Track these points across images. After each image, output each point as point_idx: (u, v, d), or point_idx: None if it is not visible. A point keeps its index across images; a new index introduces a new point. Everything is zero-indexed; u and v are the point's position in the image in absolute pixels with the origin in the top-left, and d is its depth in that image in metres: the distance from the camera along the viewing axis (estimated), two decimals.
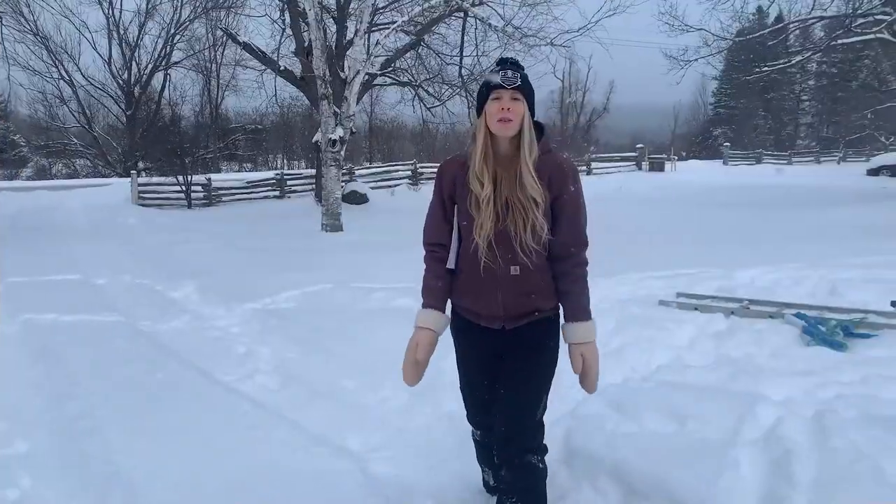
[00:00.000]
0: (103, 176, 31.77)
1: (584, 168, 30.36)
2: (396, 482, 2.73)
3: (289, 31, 16.43)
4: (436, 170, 2.31)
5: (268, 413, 3.44)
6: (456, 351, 2.35)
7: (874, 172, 26.97)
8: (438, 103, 19.27)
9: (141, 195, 20.00)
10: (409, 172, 24.28)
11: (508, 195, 2.02)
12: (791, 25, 19.53)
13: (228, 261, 9.12)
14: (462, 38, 17.84)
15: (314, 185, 21.55)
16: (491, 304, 2.11)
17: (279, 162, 43.23)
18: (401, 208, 16.74)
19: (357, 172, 23.65)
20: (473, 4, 14.04)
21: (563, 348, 2.23)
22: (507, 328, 2.14)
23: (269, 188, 22.39)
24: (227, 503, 2.54)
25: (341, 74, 14.55)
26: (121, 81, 34.00)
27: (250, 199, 21.68)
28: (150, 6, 32.30)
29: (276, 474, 2.76)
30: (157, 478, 2.71)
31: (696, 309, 5.25)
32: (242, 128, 37.84)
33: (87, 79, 33.46)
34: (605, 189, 21.33)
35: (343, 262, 8.81)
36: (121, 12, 33.08)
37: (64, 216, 15.97)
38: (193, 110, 36.46)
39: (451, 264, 2.17)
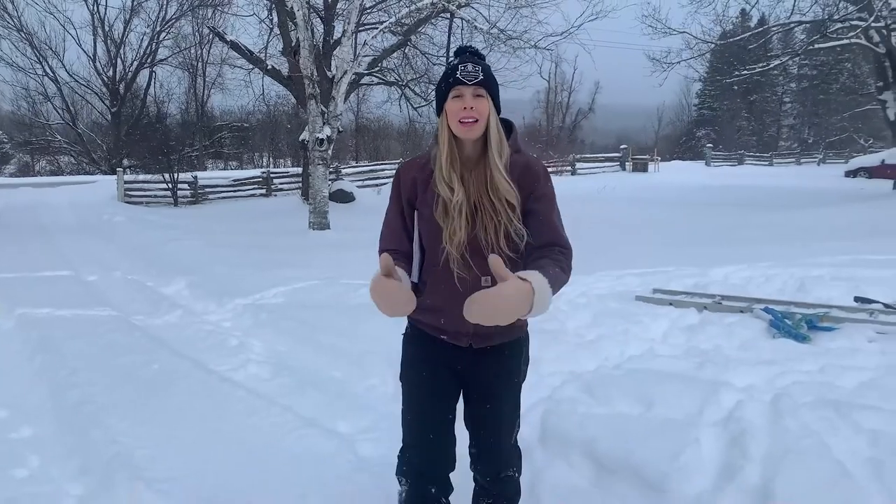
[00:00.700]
0: (87, 173, 31.67)
1: (569, 168, 30.71)
2: (383, 461, 2.92)
3: (276, 30, 16.56)
4: None
5: (261, 400, 3.63)
6: (403, 365, 2.07)
7: (852, 174, 27.49)
8: (425, 103, 19.48)
9: (127, 192, 20.02)
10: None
11: (477, 199, 1.84)
12: (772, 29, 19.93)
13: (218, 258, 9.27)
14: (448, 38, 18.08)
15: (300, 184, 21.70)
16: (459, 320, 1.75)
17: (265, 160, 43.21)
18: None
19: (343, 171, 23.80)
20: (459, 6, 14.24)
21: (531, 368, 2.20)
22: (475, 346, 1.96)
23: (256, 186, 22.48)
24: (226, 480, 2.72)
25: (328, 74, 14.71)
26: (106, 78, 33.88)
27: (236, 196, 21.77)
28: (135, 3, 32.26)
29: (272, 454, 2.95)
30: (159, 459, 2.89)
31: (670, 304, 5.49)
32: (228, 126, 37.81)
33: (71, 75, 33.36)
34: (588, 189, 21.66)
35: (330, 259, 8.99)
36: (106, 9, 33.02)
37: (50, 213, 15.98)
38: (179, 108, 36.43)
39: (414, 277, 1.94)
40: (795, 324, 4.71)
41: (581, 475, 2.68)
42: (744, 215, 13.88)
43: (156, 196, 20.39)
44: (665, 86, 19.67)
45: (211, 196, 21.29)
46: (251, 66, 17.96)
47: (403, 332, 2.10)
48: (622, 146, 34.49)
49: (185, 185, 20.79)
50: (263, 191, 22.38)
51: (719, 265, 7.03)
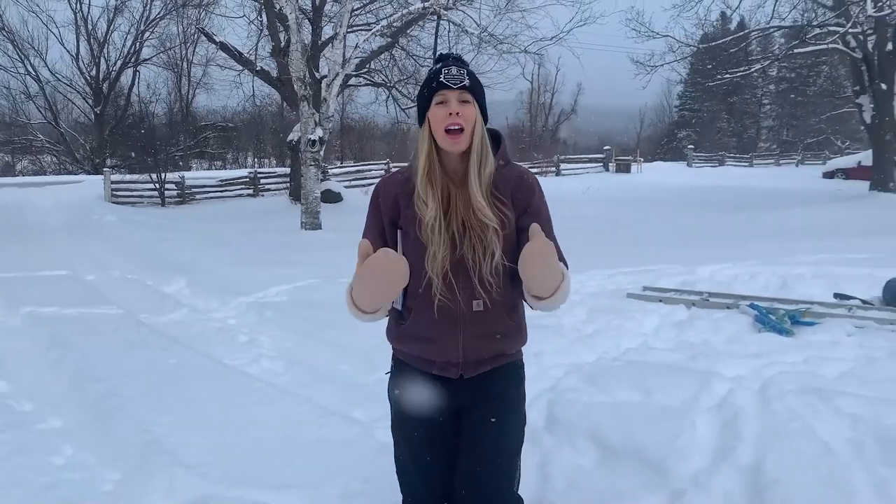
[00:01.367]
0: (70, 173, 31.46)
1: (554, 169, 31.04)
2: None
3: (265, 31, 16.68)
4: None
5: (279, 391, 3.81)
6: (393, 410, 1.89)
7: (829, 175, 28.07)
8: (412, 104, 19.66)
9: (114, 193, 19.97)
10: (383, 172, 24.63)
11: (465, 217, 1.68)
12: (752, 34, 20.37)
13: (214, 257, 9.40)
14: (435, 40, 18.30)
15: (288, 184, 21.79)
16: (448, 349, 1.73)
17: (249, 160, 43.16)
18: None
19: (331, 172, 23.91)
20: (446, 8, 14.44)
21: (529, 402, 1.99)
22: (466, 377, 1.77)
23: (243, 186, 22.52)
24: (256, 462, 2.91)
25: (316, 75, 14.86)
26: (89, 77, 33.67)
27: (223, 197, 21.77)
28: (119, 2, 32.11)
29: (296, 439, 3.14)
30: (191, 443, 3.06)
31: (660, 301, 5.74)
32: (213, 126, 37.72)
33: (54, 74, 33.15)
34: (573, 190, 21.97)
35: (326, 258, 9.14)
36: (89, 8, 32.83)
37: (38, 214, 15.95)
38: (164, 108, 36.29)
39: (398, 304, 1.77)
40: (779, 319, 4.97)
41: (587, 458, 2.89)
42: (727, 215, 14.24)
43: (143, 196, 20.37)
44: (647, 87, 20.02)
45: (198, 196, 21.29)
46: (240, 68, 18.04)
47: (388, 371, 1.92)
48: (605, 147, 34.90)
49: (172, 186, 20.78)
50: (251, 191, 22.41)
51: (705, 264, 7.30)
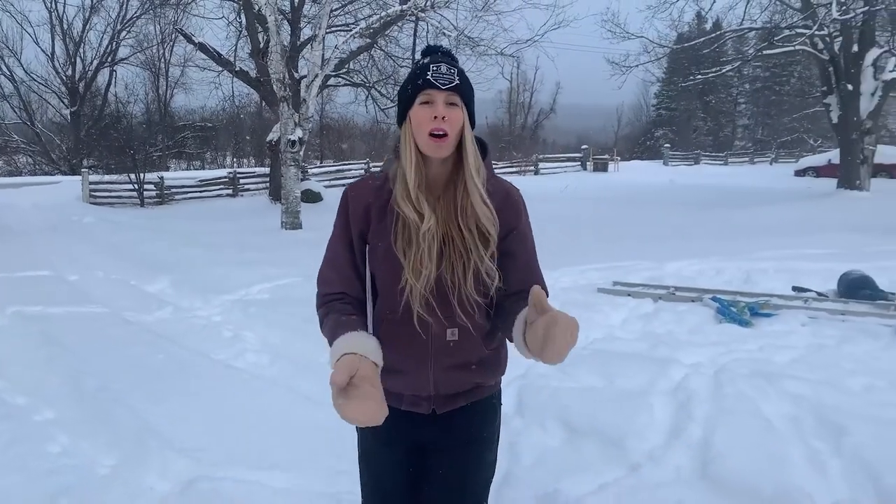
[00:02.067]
0: (46, 173, 31.20)
1: (532, 168, 31.38)
2: None
3: (244, 32, 16.77)
4: None
5: (265, 382, 4.00)
6: (360, 448, 1.74)
7: (801, 173, 28.68)
8: (392, 104, 19.86)
9: (92, 194, 19.92)
10: (363, 171, 24.77)
11: (445, 231, 1.52)
12: (726, 35, 20.82)
13: (195, 257, 9.51)
14: (414, 41, 18.53)
15: (268, 184, 21.85)
16: (418, 382, 1.57)
17: (228, 160, 43.02)
18: None
19: (310, 171, 24.01)
20: (422, 10, 14.64)
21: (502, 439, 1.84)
22: (438, 412, 1.62)
23: (222, 186, 22.55)
24: (248, 445, 3.10)
25: (295, 75, 14.98)
26: (64, 77, 33.41)
27: (203, 197, 21.78)
28: (94, 1, 31.90)
29: (284, 425, 3.34)
30: (183, 430, 3.25)
31: (629, 295, 6.02)
32: (191, 126, 37.57)
33: (29, 74, 32.86)
34: (552, 188, 22.29)
35: (307, 257, 9.24)
36: (64, 6, 32.57)
37: (16, 215, 15.89)
38: (141, 108, 36.09)
39: (368, 330, 1.55)
40: (739, 311, 5.26)
41: (554, 437, 3.13)
42: (697, 213, 14.60)
43: (121, 197, 20.33)
44: (624, 86, 20.36)
45: (177, 196, 21.29)
46: (220, 69, 18.10)
47: None
48: (583, 146, 35.33)
49: (151, 186, 20.76)
50: (230, 191, 22.45)
51: (673, 260, 7.60)
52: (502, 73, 18.28)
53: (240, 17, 17.12)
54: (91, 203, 19.48)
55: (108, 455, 3.13)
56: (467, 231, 1.50)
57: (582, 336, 4.10)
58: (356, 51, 17.59)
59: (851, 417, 3.00)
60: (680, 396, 3.35)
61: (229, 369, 4.25)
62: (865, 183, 17.69)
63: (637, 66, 19.68)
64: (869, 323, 4.89)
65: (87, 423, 3.49)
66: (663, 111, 54.29)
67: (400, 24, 17.01)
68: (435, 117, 1.46)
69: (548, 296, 1.46)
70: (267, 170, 22.87)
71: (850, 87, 17.08)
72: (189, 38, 17.18)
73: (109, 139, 24.93)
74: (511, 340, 1.48)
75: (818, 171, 27.35)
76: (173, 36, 29.44)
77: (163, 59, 35.39)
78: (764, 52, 18.98)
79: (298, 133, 12.60)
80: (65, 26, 32.78)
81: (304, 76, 15.12)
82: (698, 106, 51.76)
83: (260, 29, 15.71)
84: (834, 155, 26.60)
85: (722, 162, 39.78)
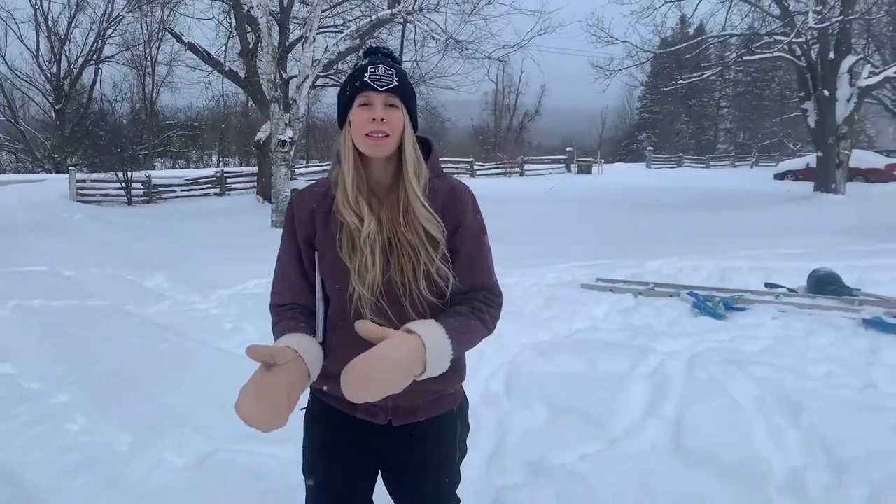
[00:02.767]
0: (29, 171, 31.10)
1: (518, 170, 31.73)
2: None
3: (234, 32, 16.94)
4: None
5: None
6: (307, 454, 1.69)
7: (780, 176, 29.25)
8: None
9: (79, 192, 19.95)
10: None
11: (391, 234, 1.50)
12: (708, 40, 21.29)
13: (188, 254, 9.69)
14: (401, 43, 18.81)
15: (255, 183, 21.99)
16: None
17: (214, 159, 43.01)
18: None
19: (298, 171, 24.17)
20: (410, 13, 14.89)
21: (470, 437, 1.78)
22: (395, 423, 1.58)
23: (209, 185, 22.65)
24: None
25: (284, 76, 15.19)
26: (49, 75, 33.31)
27: (190, 196, 21.88)
28: None
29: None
30: (196, 410, 3.47)
31: (610, 290, 6.31)
32: (177, 125, 37.56)
33: (13, 71, 32.73)
34: (537, 190, 22.65)
35: None
36: (49, 4, 32.52)
37: (4, 212, 15.93)
38: (128, 106, 36.03)
39: (318, 337, 1.54)
40: (714, 305, 5.56)
41: (539, 416, 3.39)
42: (678, 214, 14.98)
43: (109, 195, 20.37)
44: (608, 89, 20.76)
45: (165, 195, 21.37)
46: (209, 69, 18.24)
47: (304, 406, 1.66)
48: (568, 148, 35.76)
49: (139, 185, 20.83)
50: (217, 190, 22.57)
51: (654, 258, 7.92)
52: (488, 75, 18.69)
53: (230, 18, 17.28)
54: (78, 201, 19.51)
55: (124, 433, 3.35)
56: (413, 234, 1.48)
57: (565, 327, 4.42)
58: (344, 52, 17.82)
59: (810, 398, 3.30)
60: (656, 379, 3.63)
61: (234, 356, 4.45)
62: (841, 186, 18.19)
63: (621, 70, 20.11)
64: (834, 316, 5.21)
65: (102, 406, 3.71)
66: (647, 114, 54.96)
67: (389, 25, 17.26)
68: (374, 119, 1.44)
69: (497, 298, 1.54)
70: (254, 169, 23.01)
71: (826, 93, 17.56)
72: (179, 38, 17.33)
73: (94, 137, 24.97)
74: None
75: (797, 175, 27.91)
76: (159, 34, 29.43)
77: (149, 58, 35.36)
78: (743, 58, 19.45)
79: (289, 133, 12.81)
80: (50, 23, 32.73)
81: (293, 76, 15.34)
82: (681, 109, 52.48)
83: (249, 29, 15.90)
84: (812, 159, 27.16)
85: (704, 165, 40.42)
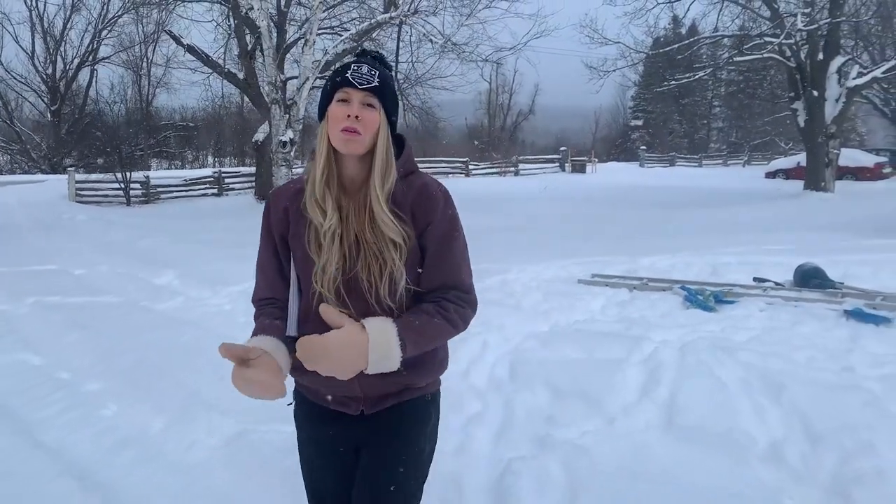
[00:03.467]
0: (26, 172, 31.22)
1: (513, 169, 32.01)
2: None
3: (233, 34, 17.15)
4: None
5: None
6: (300, 449, 1.79)
7: (771, 175, 29.62)
8: None
9: (78, 192, 20.13)
10: None
11: (359, 232, 1.53)
12: (701, 41, 21.63)
13: (194, 253, 9.93)
14: (398, 44, 19.07)
15: (253, 183, 22.21)
16: (344, 384, 1.51)
17: (210, 159, 43.16)
18: None
19: (295, 171, 24.34)
20: (407, 16, 15.13)
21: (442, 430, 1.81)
22: (367, 412, 1.63)
23: (207, 186, 22.86)
24: (283, 406, 3.59)
25: (282, 77, 15.40)
26: (45, 76, 33.42)
27: (188, 196, 22.09)
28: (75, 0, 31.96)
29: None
30: (224, 396, 3.70)
31: (606, 285, 6.58)
32: (173, 125, 37.71)
33: (8, 72, 32.81)
34: (532, 189, 22.96)
35: None
36: (45, 5, 32.66)
37: (5, 213, 16.12)
38: (124, 106, 36.15)
39: (290, 331, 1.60)
40: (705, 298, 5.84)
41: (541, 397, 3.65)
42: (671, 213, 15.30)
43: (108, 196, 20.56)
44: (602, 90, 21.13)
45: (163, 196, 21.57)
46: (208, 71, 18.44)
47: (290, 402, 1.75)
48: (562, 148, 36.06)
49: (137, 185, 21.02)
50: (215, 190, 22.78)
51: (647, 255, 8.20)
52: (482, 74, 18.93)
53: (229, 20, 17.49)
54: (77, 202, 19.70)
55: (157, 417, 3.60)
56: (379, 234, 1.51)
57: (564, 319, 4.72)
58: (342, 53, 18.06)
59: (792, 379, 3.58)
60: (650, 365, 3.90)
61: None
62: (830, 185, 18.56)
63: (614, 70, 20.44)
64: (818, 308, 5.49)
65: (133, 392, 3.96)
66: (640, 114, 55.30)
67: (387, 28, 17.52)
68: (349, 116, 1.47)
69: (469, 296, 1.58)
70: (252, 169, 23.23)
71: (815, 93, 17.91)
72: (177, 40, 17.52)
73: (91, 138, 25.14)
74: None
75: (788, 174, 28.28)
76: (156, 36, 29.57)
77: (145, 59, 35.50)
78: (735, 59, 19.80)
79: (290, 134, 13.05)
80: (45, 25, 32.84)
81: (291, 78, 15.59)
82: (674, 109, 52.86)
83: (247, 31, 16.11)
84: (803, 157, 27.59)
85: (696, 164, 40.80)
